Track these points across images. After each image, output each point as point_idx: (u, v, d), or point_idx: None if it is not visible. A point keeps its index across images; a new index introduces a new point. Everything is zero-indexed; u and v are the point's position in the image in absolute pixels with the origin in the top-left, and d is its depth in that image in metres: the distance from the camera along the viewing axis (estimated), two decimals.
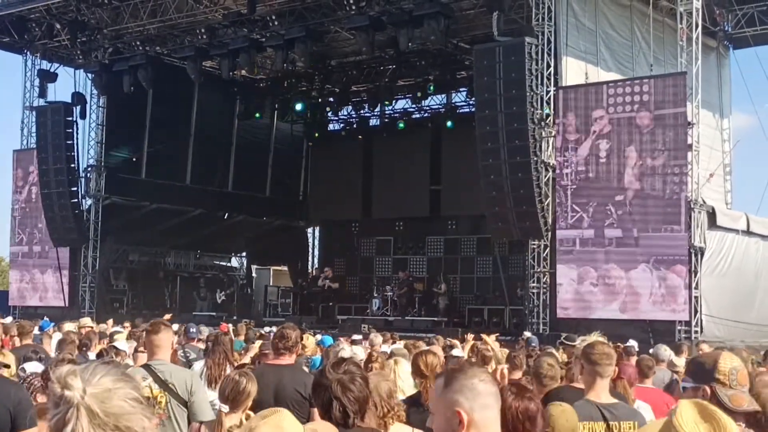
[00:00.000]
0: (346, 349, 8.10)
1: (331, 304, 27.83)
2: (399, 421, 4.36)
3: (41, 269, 27.95)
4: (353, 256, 32.63)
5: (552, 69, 19.55)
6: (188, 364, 9.22)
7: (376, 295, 26.93)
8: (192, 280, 31.11)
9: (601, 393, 4.59)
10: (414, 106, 31.69)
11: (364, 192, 32.26)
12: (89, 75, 27.53)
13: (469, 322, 24.26)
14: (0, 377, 4.97)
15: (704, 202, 19.10)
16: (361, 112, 32.97)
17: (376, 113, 33.08)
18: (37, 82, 28.30)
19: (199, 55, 25.50)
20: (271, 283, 34.35)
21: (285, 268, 35.91)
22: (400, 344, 10.35)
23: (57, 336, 11.10)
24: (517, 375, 7.11)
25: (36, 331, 11.59)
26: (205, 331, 13.34)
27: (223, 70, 25.56)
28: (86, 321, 15.17)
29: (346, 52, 28.08)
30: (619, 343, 11.53)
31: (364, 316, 25.34)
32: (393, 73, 29.66)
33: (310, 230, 35.88)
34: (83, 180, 27.31)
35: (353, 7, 22.23)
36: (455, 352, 9.72)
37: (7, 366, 5.98)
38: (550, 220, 19.42)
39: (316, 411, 3.75)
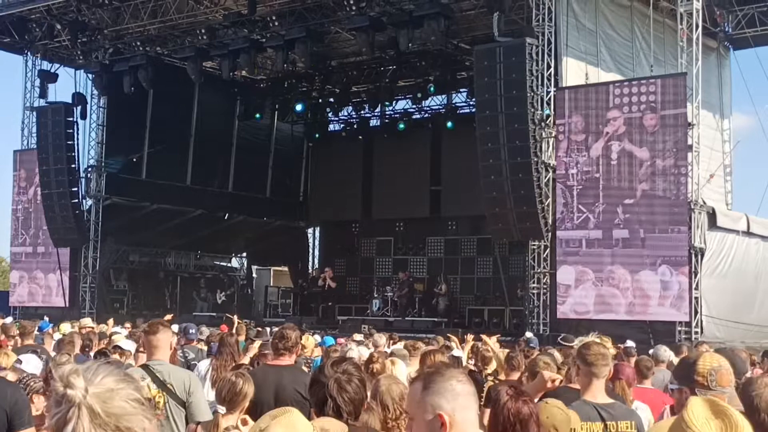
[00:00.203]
0: (354, 349, 8.11)
1: (331, 304, 27.85)
2: None
3: (43, 270, 27.96)
4: (353, 256, 32.66)
5: (552, 70, 19.56)
6: (187, 364, 9.22)
7: (376, 295, 26.94)
8: (192, 281, 31.11)
9: (597, 393, 4.60)
10: (414, 106, 31.70)
11: (365, 192, 32.27)
12: (90, 75, 27.55)
13: (469, 322, 24.27)
14: None
15: (704, 202, 19.10)
16: (362, 112, 32.97)
17: (376, 114, 33.09)
18: (37, 82, 28.32)
19: (200, 55, 25.51)
20: (271, 284, 34.39)
21: (285, 268, 35.93)
22: (399, 345, 10.34)
23: (58, 336, 11.11)
24: (515, 376, 7.12)
25: (35, 331, 11.59)
26: (206, 331, 13.35)
27: (224, 71, 25.57)
28: (86, 321, 15.20)
29: (346, 52, 28.09)
30: (619, 344, 11.55)
31: (365, 316, 25.35)
32: (393, 73, 29.67)
33: (310, 231, 35.88)
34: (84, 180, 27.32)
35: (353, 8, 22.23)
36: (455, 353, 9.73)
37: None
38: (550, 221, 19.43)
39: None
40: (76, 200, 26.74)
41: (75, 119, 26.87)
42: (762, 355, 10.67)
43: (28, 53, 28.35)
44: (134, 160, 28.56)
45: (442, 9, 21.28)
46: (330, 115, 34.32)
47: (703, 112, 19.57)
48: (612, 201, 18.79)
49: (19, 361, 6.28)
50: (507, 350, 9.92)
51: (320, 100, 33.21)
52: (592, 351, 4.62)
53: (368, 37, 22.42)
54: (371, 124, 33.28)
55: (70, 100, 27.35)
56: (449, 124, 30.18)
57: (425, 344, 9.44)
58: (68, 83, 28.18)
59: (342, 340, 13.97)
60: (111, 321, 16.24)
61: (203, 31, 25.09)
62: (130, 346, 8.94)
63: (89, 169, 27.65)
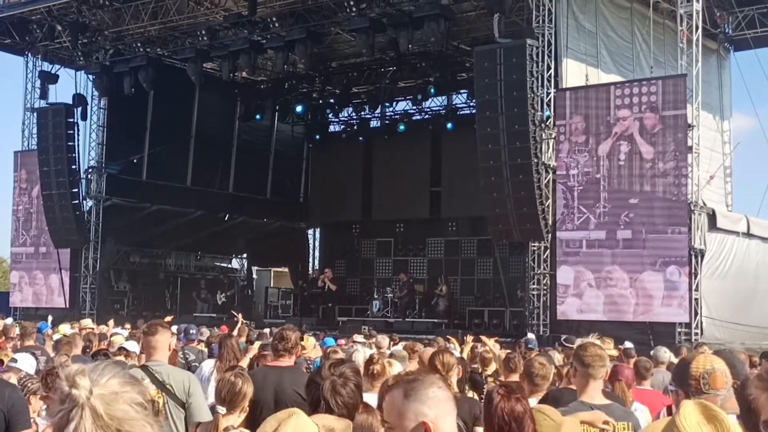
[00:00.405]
0: (359, 350, 8.12)
1: (331, 305, 27.84)
2: None
3: (43, 270, 27.98)
4: (354, 257, 32.67)
5: (552, 71, 19.57)
6: (188, 365, 9.23)
7: (376, 296, 26.95)
8: (192, 282, 31.11)
9: (594, 394, 4.60)
10: (414, 107, 31.71)
11: (365, 193, 32.26)
12: (90, 76, 27.56)
13: (469, 323, 24.26)
14: None
15: (704, 204, 19.10)
16: (362, 113, 32.98)
17: (376, 115, 33.10)
18: (38, 83, 28.34)
19: (200, 56, 25.52)
20: (271, 285, 34.39)
21: (285, 269, 35.92)
22: (399, 347, 10.35)
23: (57, 337, 11.11)
24: (514, 377, 7.12)
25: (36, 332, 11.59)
26: (206, 332, 13.36)
27: (224, 72, 25.58)
28: (87, 322, 15.21)
29: (346, 53, 28.11)
30: (618, 346, 11.56)
31: (365, 317, 25.36)
32: (393, 74, 29.68)
33: (310, 232, 35.88)
34: (84, 181, 27.33)
35: (353, 9, 22.23)
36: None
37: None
38: (550, 222, 19.44)
39: None
40: (77, 201, 26.76)
41: (75, 120, 26.89)
42: (761, 356, 10.68)
43: (29, 54, 28.37)
44: (134, 161, 28.55)
45: (443, 10, 21.28)
46: (330, 116, 34.33)
47: (703, 113, 19.58)
48: (616, 201, 18.78)
49: (15, 360, 6.30)
50: (507, 351, 9.93)
51: (320, 102, 33.23)
52: (588, 352, 4.62)
53: (368, 39, 22.43)
54: (371, 126, 33.29)
55: (70, 101, 27.37)
56: (449, 125, 30.17)
57: (424, 345, 9.45)
58: (69, 84, 28.25)
59: (343, 341, 13.98)
60: (111, 322, 16.25)
61: (203, 32, 25.10)
62: (135, 347, 8.95)
63: (90, 170, 27.67)
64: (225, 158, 31.70)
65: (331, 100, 32.80)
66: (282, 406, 5.40)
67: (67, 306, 26.70)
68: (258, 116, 32.02)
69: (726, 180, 24.14)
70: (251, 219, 32.58)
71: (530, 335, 17.07)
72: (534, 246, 19.79)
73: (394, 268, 30.51)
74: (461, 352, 11.45)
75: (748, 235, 20.79)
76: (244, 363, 7.72)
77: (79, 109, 27.37)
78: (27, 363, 6.29)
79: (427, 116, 31.96)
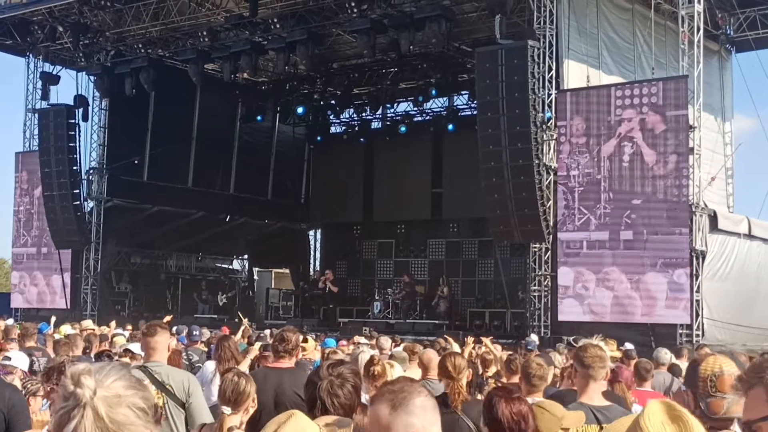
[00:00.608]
0: (365, 351, 8.12)
1: (332, 306, 27.83)
2: None
3: (44, 271, 27.98)
4: (355, 258, 32.66)
5: (553, 72, 19.56)
6: (191, 366, 9.23)
7: (377, 297, 26.95)
8: (193, 283, 31.12)
9: (594, 396, 4.59)
10: (416, 108, 31.72)
11: (366, 195, 32.25)
12: (91, 77, 27.58)
13: (470, 325, 24.24)
14: None
15: (706, 205, 19.09)
16: (363, 115, 32.98)
17: (377, 116, 33.09)
18: (39, 84, 28.37)
19: (201, 57, 25.54)
20: (272, 286, 34.38)
21: (286, 270, 35.92)
22: (399, 348, 10.34)
23: (58, 338, 11.11)
24: (516, 379, 7.10)
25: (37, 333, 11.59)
26: (207, 333, 13.36)
27: (225, 73, 25.59)
28: (87, 323, 15.20)
29: (347, 55, 28.11)
30: (620, 347, 11.55)
31: (366, 318, 25.36)
32: (395, 76, 29.69)
33: (311, 233, 35.86)
34: (85, 182, 27.35)
35: (355, 10, 22.24)
36: None
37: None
38: (551, 223, 19.42)
39: None
40: (78, 202, 26.80)
41: (77, 121, 26.92)
42: (760, 357, 10.66)
43: (30, 55, 28.41)
44: (136, 162, 28.56)
45: (444, 11, 21.29)
46: (331, 117, 34.33)
47: (704, 114, 19.56)
48: (618, 202, 18.76)
49: (8, 358, 6.30)
50: (509, 353, 9.93)
51: (321, 103, 33.24)
52: (588, 353, 4.60)
53: (369, 40, 22.44)
54: (372, 127, 33.28)
55: (71, 102, 27.40)
56: (450, 126, 30.17)
57: (424, 347, 9.43)
58: (70, 85, 28.24)
59: (344, 343, 13.97)
60: (113, 323, 16.26)
61: (205, 33, 25.12)
62: (139, 349, 8.93)
63: (91, 171, 27.68)
64: (226, 159, 31.71)
65: (332, 102, 32.80)
66: (282, 407, 5.40)
67: (68, 307, 26.70)
68: (259, 117, 32.04)
69: (727, 181, 24.13)
70: (252, 220, 32.58)
71: (533, 336, 17.07)
72: (535, 247, 19.79)
73: (395, 269, 30.52)
74: (461, 353, 11.42)
75: (750, 236, 20.78)
76: (245, 364, 7.71)
77: (81, 110, 27.40)
78: (20, 360, 6.30)
79: (428, 117, 31.96)
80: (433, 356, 7.06)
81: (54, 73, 28.52)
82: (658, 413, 2.04)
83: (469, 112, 29.28)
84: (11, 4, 26.52)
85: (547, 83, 19.54)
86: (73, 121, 26.66)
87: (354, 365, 4.70)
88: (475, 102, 24.95)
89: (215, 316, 27.32)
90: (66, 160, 26.13)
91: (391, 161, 31.17)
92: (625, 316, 18.42)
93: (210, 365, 8.30)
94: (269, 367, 6.55)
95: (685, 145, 18.26)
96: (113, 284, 28.72)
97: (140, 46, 26.91)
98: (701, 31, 19.04)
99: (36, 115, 27.99)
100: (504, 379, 7.90)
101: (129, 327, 16.77)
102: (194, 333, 11.59)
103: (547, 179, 19.46)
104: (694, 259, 18.15)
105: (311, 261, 35.32)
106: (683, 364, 10.08)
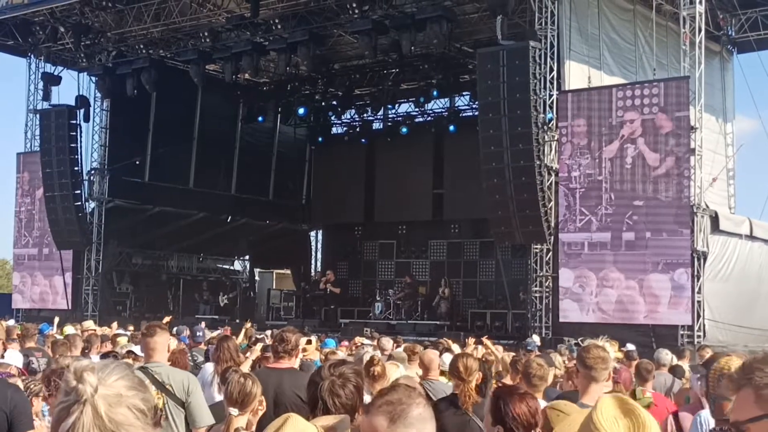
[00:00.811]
0: (369, 351, 8.12)
1: (333, 307, 27.83)
2: None
3: (45, 272, 27.99)
4: (356, 259, 32.65)
5: (555, 73, 19.56)
6: (196, 367, 9.22)
7: (378, 298, 26.95)
8: (195, 284, 31.12)
9: (595, 397, 4.55)
10: (417, 109, 31.71)
11: (367, 195, 32.25)
12: (93, 78, 27.61)
13: (471, 326, 24.25)
14: None
15: (707, 206, 19.07)
16: (364, 115, 32.96)
17: (379, 117, 33.08)
18: (41, 85, 28.37)
19: (203, 58, 25.55)
20: (273, 287, 34.39)
21: (288, 271, 35.92)
22: (399, 349, 10.33)
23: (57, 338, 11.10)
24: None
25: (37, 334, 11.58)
26: (207, 334, 13.35)
27: (226, 74, 25.61)
28: (89, 324, 15.20)
29: (349, 55, 28.12)
30: (621, 348, 11.55)
31: (367, 319, 25.37)
32: (396, 76, 29.68)
33: (312, 234, 35.87)
34: (86, 183, 27.37)
35: (356, 11, 22.25)
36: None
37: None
38: (552, 224, 19.41)
39: None
40: (79, 203, 26.81)
41: (78, 122, 26.93)
42: None
43: (32, 56, 28.42)
44: (137, 162, 28.58)
45: (445, 12, 21.29)
46: (333, 118, 34.32)
47: (705, 115, 19.55)
48: (620, 203, 18.75)
49: (2, 357, 6.32)
50: (512, 354, 9.91)
51: (323, 103, 33.24)
52: (591, 354, 4.59)
53: (371, 41, 22.44)
54: (374, 127, 33.27)
55: (73, 103, 27.40)
56: (452, 127, 30.15)
57: (424, 347, 9.43)
58: (71, 86, 28.26)
59: (346, 343, 13.97)
60: (115, 324, 16.27)
61: (206, 34, 25.13)
62: (140, 351, 8.92)
63: (92, 172, 27.70)
64: (227, 160, 31.71)
65: (334, 102, 32.79)
66: (281, 407, 5.40)
67: (70, 308, 26.71)
68: (260, 118, 32.06)
69: (729, 182, 24.12)
70: (253, 221, 32.59)
71: (534, 337, 17.07)
72: (536, 248, 19.78)
73: (396, 270, 30.51)
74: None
75: (751, 237, 20.76)
76: (247, 365, 7.70)
77: (82, 110, 27.41)
78: (14, 359, 6.31)
79: (429, 118, 31.95)
80: (433, 357, 7.06)
81: (55, 73, 28.53)
82: (611, 408, 2.03)
83: (471, 113, 29.27)
84: (12, 4, 26.54)
85: (548, 84, 19.53)
86: (74, 121, 26.67)
87: (357, 365, 4.69)
88: (476, 103, 24.95)
89: (216, 316, 27.32)
90: (67, 160, 26.15)
91: (392, 162, 31.17)
92: (626, 317, 18.41)
93: (209, 366, 8.29)
94: (269, 367, 6.54)
95: (687, 146, 18.25)
96: (114, 285, 28.73)
97: (141, 46, 26.93)
98: (703, 32, 19.04)
99: (37, 115, 27.99)
100: (507, 380, 7.89)
101: (131, 328, 16.76)
102: (198, 334, 11.58)
103: (548, 180, 19.45)
104: (696, 260, 18.14)
105: (312, 262, 35.33)
106: (685, 365, 10.08)
